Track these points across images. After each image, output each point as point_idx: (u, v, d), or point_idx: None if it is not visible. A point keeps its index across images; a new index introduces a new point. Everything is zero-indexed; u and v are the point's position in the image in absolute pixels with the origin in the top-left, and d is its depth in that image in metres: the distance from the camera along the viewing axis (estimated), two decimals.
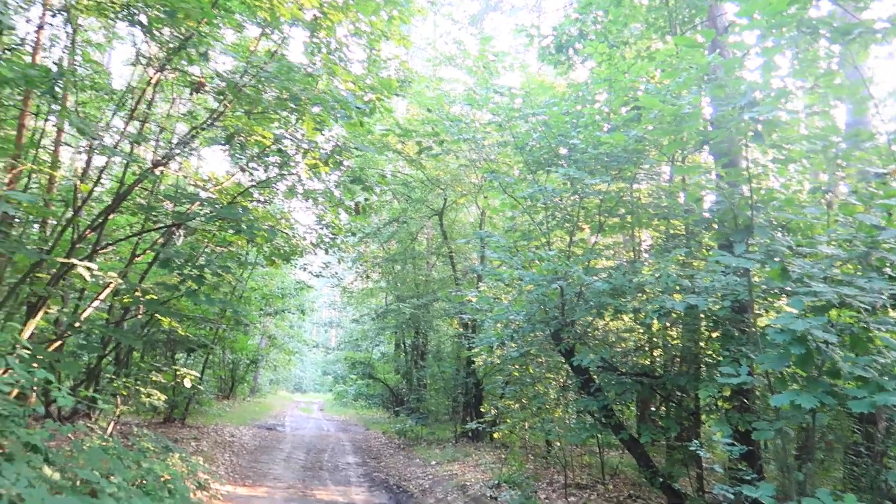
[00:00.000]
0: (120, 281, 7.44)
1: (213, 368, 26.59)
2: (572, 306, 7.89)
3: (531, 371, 10.05)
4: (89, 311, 8.40)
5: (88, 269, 7.32)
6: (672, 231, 8.93)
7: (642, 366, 8.70)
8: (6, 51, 7.89)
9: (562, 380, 10.03)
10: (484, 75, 14.54)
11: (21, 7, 8.26)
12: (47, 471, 4.54)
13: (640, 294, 7.68)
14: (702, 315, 7.08)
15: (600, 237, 9.62)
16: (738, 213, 6.09)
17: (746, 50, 6.61)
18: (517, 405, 13.09)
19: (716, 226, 7.07)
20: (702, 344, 7.65)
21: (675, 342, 8.34)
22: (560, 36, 12.00)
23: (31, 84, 6.87)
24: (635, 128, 7.26)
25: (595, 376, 8.42)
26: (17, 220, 9.33)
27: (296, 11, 7.12)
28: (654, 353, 9.22)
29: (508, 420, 13.05)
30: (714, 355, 7.45)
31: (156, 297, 7.59)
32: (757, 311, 6.94)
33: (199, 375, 9.40)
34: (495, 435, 13.70)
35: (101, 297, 8.46)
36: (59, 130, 11.18)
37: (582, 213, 8.95)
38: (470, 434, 16.86)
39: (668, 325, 8.19)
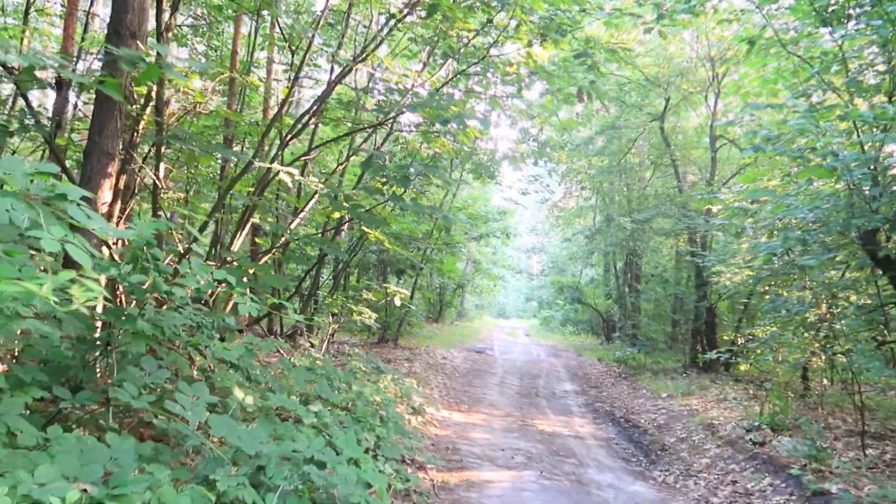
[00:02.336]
0: (323, 187, 6.67)
1: (421, 291, 27.07)
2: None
3: (810, 288, 7.83)
4: (296, 222, 7.86)
5: (290, 174, 6.65)
6: None
7: None
8: None
9: (862, 299, 7.68)
10: None
11: None
12: (238, 393, 3.77)
13: None
14: None
15: None
16: None
17: None
18: (777, 332, 10.85)
19: None
20: None
21: None
22: None
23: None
24: None
25: None
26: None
27: None
28: None
29: (759, 351, 10.88)
30: None
31: (360, 204, 6.79)
32: None
33: (408, 294, 8.61)
34: (741, 367, 11.58)
35: (308, 207, 7.86)
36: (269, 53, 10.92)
37: None
38: (702, 365, 14.85)
39: None
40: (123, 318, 3.41)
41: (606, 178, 19.49)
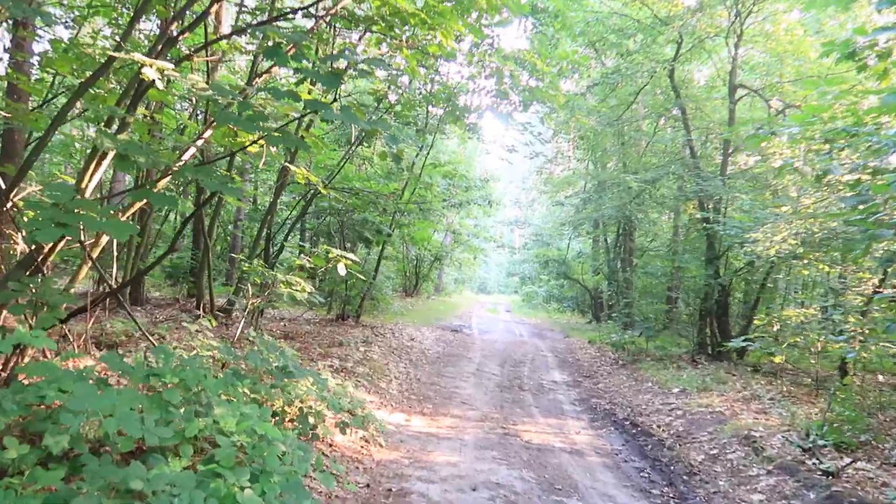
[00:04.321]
0: (206, 87, 4.34)
1: (397, 262, 24.75)
2: None
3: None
4: (190, 153, 5.48)
5: (160, 70, 4.33)
6: None
7: None
8: None
9: None
10: None
11: None
12: None
13: None
14: None
15: None
16: None
17: None
18: (814, 315, 8.76)
19: None
20: None
21: None
22: None
23: None
24: None
25: None
26: None
27: None
28: None
29: (793, 339, 8.77)
30: None
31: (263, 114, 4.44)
32: None
33: (356, 260, 6.29)
34: (774, 358, 9.46)
35: (207, 133, 5.49)
36: None
37: None
38: (711, 352, 12.80)
39: None
40: None
41: (603, 137, 17.18)
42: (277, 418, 4.31)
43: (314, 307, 14.40)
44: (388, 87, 9.28)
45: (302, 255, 7.36)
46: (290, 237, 18.75)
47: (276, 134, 4.28)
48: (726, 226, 10.62)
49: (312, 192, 11.08)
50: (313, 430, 4.36)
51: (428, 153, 15.15)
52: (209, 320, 5.88)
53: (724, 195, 11.99)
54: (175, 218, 17.81)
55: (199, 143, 5.56)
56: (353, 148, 11.97)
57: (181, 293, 13.53)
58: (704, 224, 11.87)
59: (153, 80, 4.79)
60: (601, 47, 14.98)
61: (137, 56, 4.40)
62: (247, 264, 6.53)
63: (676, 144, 15.54)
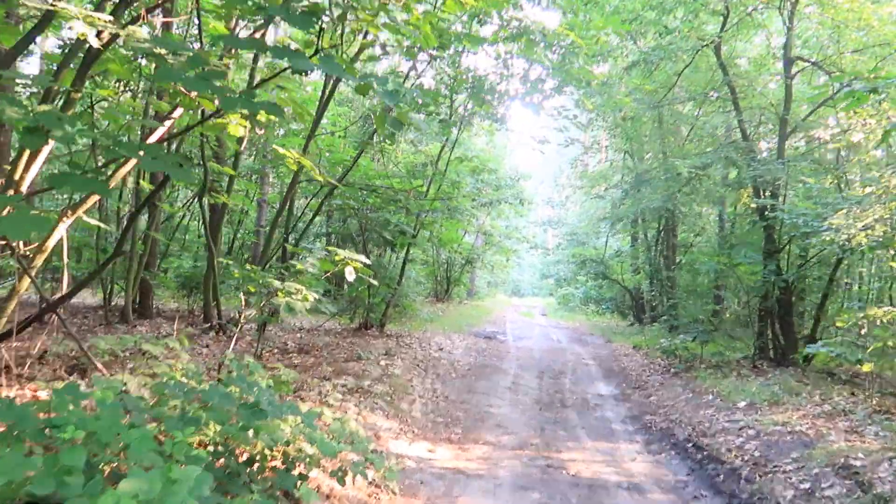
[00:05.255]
0: (146, 40, 3.39)
1: (427, 267, 23.72)
2: None
3: None
4: (158, 134, 4.59)
5: (92, 22, 3.41)
6: None
7: None
8: None
9: None
10: None
11: None
12: None
13: None
14: None
15: None
16: None
17: None
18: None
19: None
20: None
21: None
22: None
23: None
24: None
25: None
26: None
27: None
28: None
29: (889, 342, 7.45)
30: None
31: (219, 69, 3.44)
32: None
33: (366, 263, 5.24)
34: (862, 366, 8.12)
35: (174, 115, 4.58)
36: None
37: None
38: (773, 356, 11.46)
39: None
40: None
41: (642, 125, 15.89)
42: (252, 468, 3.29)
43: (336, 316, 13.45)
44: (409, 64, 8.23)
45: (307, 259, 6.34)
46: (316, 241, 17.90)
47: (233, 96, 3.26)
48: (791, 213, 9.32)
49: (329, 190, 10.14)
50: (299, 483, 3.32)
51: (453, 147, 14.10)
52: (181, 340, 4.90)
53: (785, 179, 10.66)
54: (196, 224, 17.07)
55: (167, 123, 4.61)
56: (372, 141, 10.97)
57: (195, 304, 12.71)
58: (764, 213, 10.56)
59: (99, 49, 3.87)
60: (637, 26, 13.72)
61: (67, 8, 3.45)
62: (236, 270, 5.55)
63: (721, 130, 14.21)
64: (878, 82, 4.73)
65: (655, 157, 17.89)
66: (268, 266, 9.57)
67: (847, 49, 12.10)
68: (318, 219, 18.76)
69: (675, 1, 13.13)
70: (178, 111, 4.45)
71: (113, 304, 11.26)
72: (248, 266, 5.66)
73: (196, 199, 9.34)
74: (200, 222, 14.02)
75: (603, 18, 10.65)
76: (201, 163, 8.44)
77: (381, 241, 14.08)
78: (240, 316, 5.82)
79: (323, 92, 10.17)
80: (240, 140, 6.96)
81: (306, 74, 3.47)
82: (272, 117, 4.99)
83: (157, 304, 13.86)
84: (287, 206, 10.12)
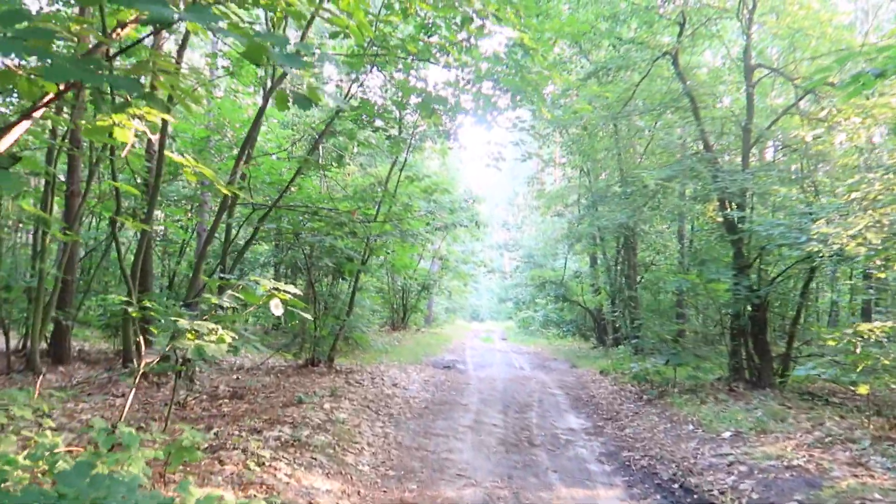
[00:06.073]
0: None
1: (381, 293, 22.68)
2: None
3: None
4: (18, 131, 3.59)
5: None
6: None
7: None
8: None
9: None
10: None
11: None
12: None
13: None
14: None
15: None
16: None
17: None
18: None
19: None
20: None
21: None
22: None
23: None
24: None
25: None
26: None
27: None
28: None
29: (885, 361, 6.81)
30: None
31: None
32: None
33: (297, 294, 4.21)
34: (859, 389, 7.46)
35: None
36: None
37: None
38: (748, 378, 10.81)
39: None
40: None
41: (597, 141, 15.37)
42: None
43: (279, 352, 12.31)
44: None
45: (225, 293, 5.31)
46: (262, 272, 16.69)
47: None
48: (766, 225, 8.73)
49: (264, 213, 9.11)
50: None
51: (403, 168, 13.26)
52: (45, 403, 3.83)
53: (753, 190, 10.13)
54: (125, 253, 15.70)
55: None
56: (312, 160, 10.01)
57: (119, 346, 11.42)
58: (734, 226, 9.98)
59: None
60: (591, 37, 13.22)
61: None
62: (132, 308, 4.50)
63: (680, 141, 13.76)
64: (887, 64, 4.06)
65: (612, 174, 17.41)
66: (194, 301, 8.46)
67: (806, 56, 11.81)
68: (265, 248, 17.62)
69: (629, 11, 12.71)
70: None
71: (24, 348, 9.97)
72: (148, 303, 4.61)
73: (116, 228, 8.20)
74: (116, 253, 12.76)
75: (557, 21, 10.03)
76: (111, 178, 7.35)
77: (331, 269, 13.07)
78: (137, 363, 4.75)
79: (260, 112, 9.22)
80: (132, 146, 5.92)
81: (170, 28, 2.54)
82: (166, 116, 4.02)
83: (82, 345, 12.50)
84: (218, 233, 9.03)
